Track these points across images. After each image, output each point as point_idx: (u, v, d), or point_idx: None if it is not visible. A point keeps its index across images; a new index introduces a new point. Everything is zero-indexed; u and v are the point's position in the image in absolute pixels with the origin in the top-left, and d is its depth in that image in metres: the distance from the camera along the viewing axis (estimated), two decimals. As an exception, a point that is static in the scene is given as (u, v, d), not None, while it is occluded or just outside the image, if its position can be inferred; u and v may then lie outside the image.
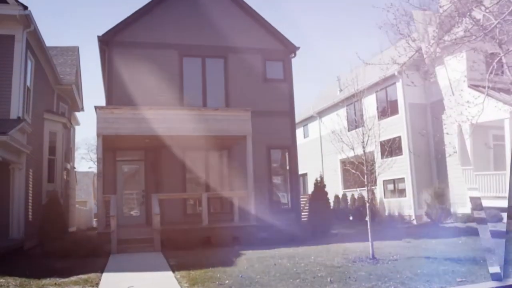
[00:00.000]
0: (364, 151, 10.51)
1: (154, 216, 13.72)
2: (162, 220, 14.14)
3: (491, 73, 11.41)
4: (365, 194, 11.74)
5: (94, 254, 12.22)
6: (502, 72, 11.70)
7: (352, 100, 16.75)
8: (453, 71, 19.98)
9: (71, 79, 20.61)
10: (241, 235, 14.27)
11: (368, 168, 10.57)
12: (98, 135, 14.49)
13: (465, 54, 16.88)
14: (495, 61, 10.92)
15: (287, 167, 18.47)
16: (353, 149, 10.91)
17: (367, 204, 10.81)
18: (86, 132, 57.57)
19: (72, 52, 22.35)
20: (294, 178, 18.56)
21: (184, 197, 16.80)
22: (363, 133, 10.57)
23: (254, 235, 14.22)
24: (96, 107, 14.69)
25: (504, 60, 10.66)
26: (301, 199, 20.95)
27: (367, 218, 10.74)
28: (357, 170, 10.96)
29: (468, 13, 10.56)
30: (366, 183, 10.60)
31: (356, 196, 24.84)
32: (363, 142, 10.51)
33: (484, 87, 11.63)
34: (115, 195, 14.88)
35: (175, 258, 11.14)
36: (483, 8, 10.18)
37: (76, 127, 28.28)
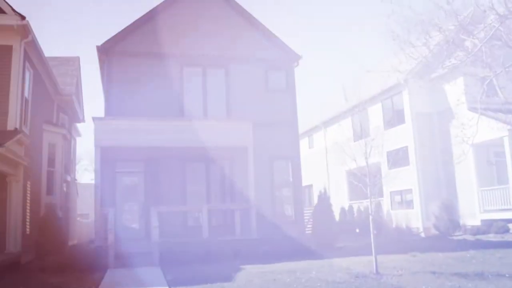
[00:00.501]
0: (367, 162, 10.15)
1: (153, 229, 13.43)
2: (162, 233, 13.85)
3: (482, 95, 11.50)
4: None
5: (91, 268, 12.04)
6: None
7: (357, 110, 16.48)
8: (451, 95, 19.98)
9: (71, 89, 20.48)
10: (242, 248, 13.90)
11: (371, 179, 10.22)
12: (96, 147, 14.30)
13: (460, 80, 16.85)
14: (485, 83, 11.19)
15: (291, 179, 18.08)
16: (355, 160, 10.56)
17: (370, 217, 10.44)
18: (88, 143, 57.65)
19: (73, 63, 22.28)
20: (298, 190, 18.13)
21: (184, 210, 16.45)
22: (365, 144, 10.21)
23: (256, 249, 13.88)
24: (94, 118, 14.49)
25: (495, 82, 10.61)
26: (306, 211, 20.54)
27: (372, 231, 10.36)
28: (360, 182, 10.62)
29: (452, 40, 10.85)
30: (369, 195, 10.25)
31: (362, 208, 24.35)
32: (365, 153, 10.14)
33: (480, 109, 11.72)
34: (113, 208, 14.56)
35: (173, 273, 10.93)
36: (471, 35, 10.58)
37: (79, 138, 28.14)
